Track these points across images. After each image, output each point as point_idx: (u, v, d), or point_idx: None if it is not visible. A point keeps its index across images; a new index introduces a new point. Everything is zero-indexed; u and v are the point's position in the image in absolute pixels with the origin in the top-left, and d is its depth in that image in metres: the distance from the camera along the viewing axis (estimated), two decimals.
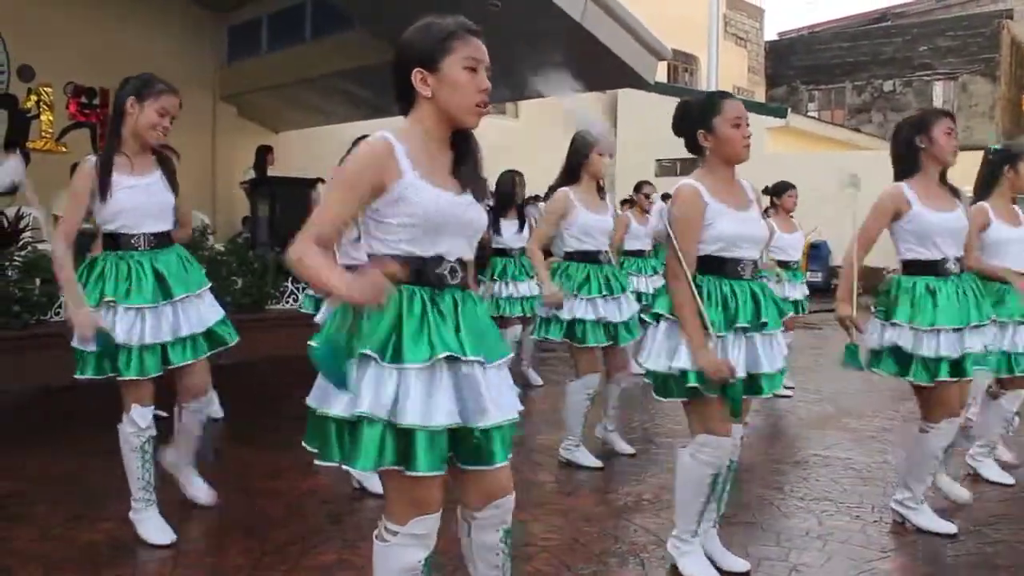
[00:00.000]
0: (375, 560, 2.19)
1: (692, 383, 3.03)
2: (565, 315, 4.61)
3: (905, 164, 3.79)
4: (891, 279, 3.89)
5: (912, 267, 3.79)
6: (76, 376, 3.41)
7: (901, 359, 3.73)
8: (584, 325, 4.61)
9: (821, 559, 3.51)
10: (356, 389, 2.03)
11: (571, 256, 4.73)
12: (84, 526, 3.66)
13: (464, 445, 2.12)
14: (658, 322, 3.19)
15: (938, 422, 3.76)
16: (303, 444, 2.18)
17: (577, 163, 4.67)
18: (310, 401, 2.14)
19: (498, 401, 2.13)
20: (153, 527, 3.51)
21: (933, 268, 3.75)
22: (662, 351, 3.13)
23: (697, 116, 3.14)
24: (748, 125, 3.14)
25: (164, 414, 3.72)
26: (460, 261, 2.19)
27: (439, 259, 2.13)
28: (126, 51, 9.88)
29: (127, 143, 3.42)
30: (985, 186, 4.55)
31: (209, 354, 3.58)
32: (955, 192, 3.84)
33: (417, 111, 2.16)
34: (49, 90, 10.98)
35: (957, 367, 3.67)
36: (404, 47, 2.14)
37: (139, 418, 3.44)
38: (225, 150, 12.42)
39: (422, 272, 2.11)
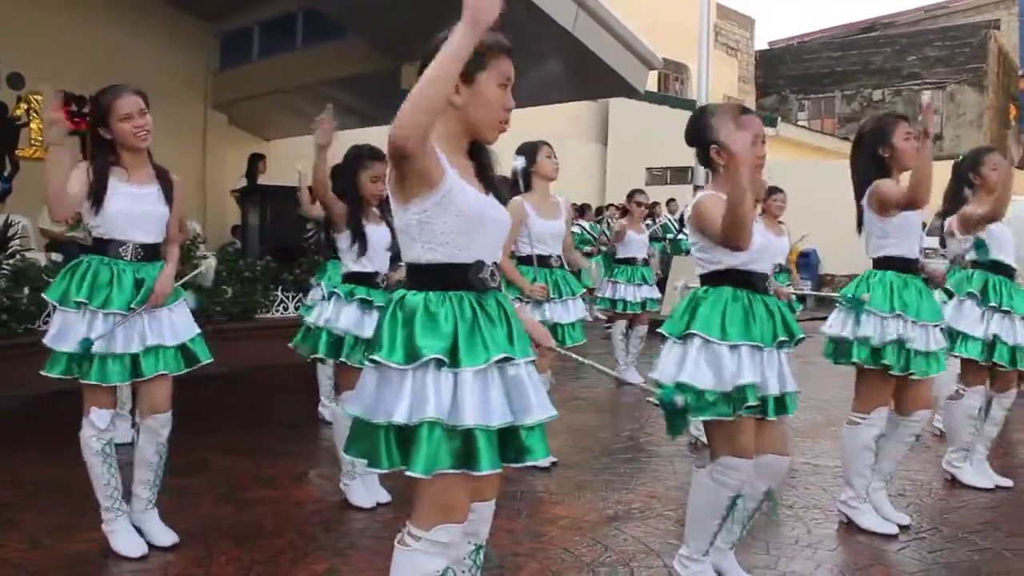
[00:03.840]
0: (395, 566, 2.19)
1: (752, 400, 2.90)
2: None
3: (874, 177, 3.85)
4: (865, 272, 4.01)
5: (886, 264, 3.90)
6: (43, 373, 3.40)
7: (898, 351, 3.82)
8: None
9: (810, 567, 3.52)
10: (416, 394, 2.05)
11: (524, 260, 4.84)
12: (72, 536, 3.64)
13: (511, 444, 2.15)
14: (678, 338, 3.05)
15: (868, 413, 3.89)
16: (344, 453, 2.22)
17: (527, 167, 4.74)
18: (356, 410, 2.15)
19: (539, 398, 2.18)
20: (124, 539, 3.47)
21: (907, 265, 3.89)
22: (707, 368, 2.95)
23: (712, 131, 3.02)
24: (764, 143, 3.02)
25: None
26: (495, 264, 2.23)
27: (480, 264, 2.17)
28: (116, 59, 9.87)
29: (123, 158, 3.44)
30: (955, 196, 4.68)
31: (184, 371, 3.55)
32: None
33: (443, 120, 2.15)
34: (39, 98, 10.95)
35: (927, 361, 3.85)
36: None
37: (98, 420, 3.42)
38: (216, 158, 12.39)
39: (467, 278, 2.15)
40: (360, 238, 4.03)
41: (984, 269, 4.61)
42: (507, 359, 2.12)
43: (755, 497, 3.16)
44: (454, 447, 2.05)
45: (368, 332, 3.95)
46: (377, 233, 4.09)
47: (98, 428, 3.43)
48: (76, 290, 3.36)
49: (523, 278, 4.74)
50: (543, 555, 3.57)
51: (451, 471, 2.06)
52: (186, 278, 3.99)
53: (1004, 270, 4.59)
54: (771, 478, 3.15)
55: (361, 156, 4.10)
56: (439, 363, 2.05)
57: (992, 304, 4.52)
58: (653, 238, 12.17)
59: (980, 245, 4.59)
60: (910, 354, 3.81)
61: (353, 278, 4.11)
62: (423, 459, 2.03)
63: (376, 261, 4.11)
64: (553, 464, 4.89)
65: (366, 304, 4.02)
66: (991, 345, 4.51)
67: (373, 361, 2.11)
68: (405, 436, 2.07)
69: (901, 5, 34.35)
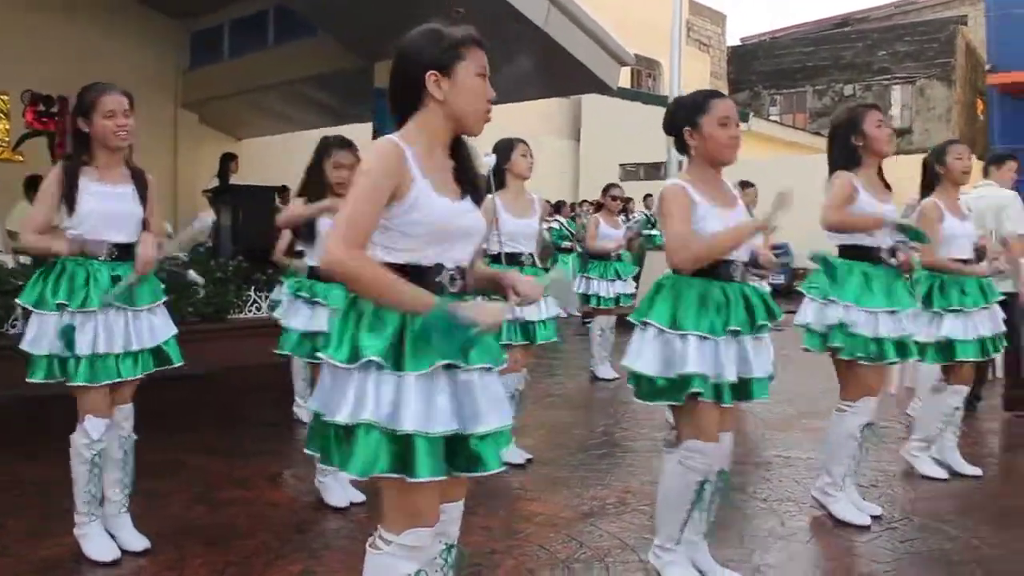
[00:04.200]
0: (367, 570, 2.18)
1: (696, 388, 2.96)
2: None
3: (848, 164, 3.92)
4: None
5: (851, 252, 3.94)
6: (28, 380, 3.36)
7: (849, 338, 3.87)
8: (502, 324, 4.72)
9: (783, 559, 3.55)
10: (359, 395, 2.04)
11: (496, 259, 4.84)
12: (46, 541, 3.60)
13: (461, 453, 2.12)
14: (644, 326, 3.11)
15: (856, 401, 3.93)
16: (305, 450, 2.21)
17: (501, 165, 4.74)
18: (314, 406, 2.15)
19: (493, 406, 2.15)
20: (96, 544, 3.44)
21: (870, 255, 3.93)
22: (657, 356, 3.04)
23: (685, 114, 3.10)
24: (738, 126, 3.10)
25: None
26: (459, 268, 2.21)
27: (439, 268, 2.15)
28: (85, 58, 9.76)
29: (98, 157, 3.40)
30: (927, 188, 4.76)
31: (152, 371, 3.52)
32: (888, 186, 4.02)
33: (424, 115, 2.16)
34: (6, 98, 10.83)
35: (899, 349, 3.90)
36: (413, 51, 2.15)
37: (92, 429, 3.37)
38: (187, 158, 12.30)
39: (423, 280, 2.12)
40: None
41: (932, 271, 4.65)
42: (454, 365, 2.09)
43: (713, 481, 3.21)
44: (393, 451, 2.02)
45: (301, 325, 4.04)
46: None
47: (91, 438, 3.38)
48: (53, 293, 3.31)
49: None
50: (519, 552, 3.58)
51: (389, 475, 2.04)
52: (181, 235, 3.89)
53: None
54: (722, 458, 3.19)
55: (327, 145, 4.10)
56: (380, 365, 2.03)
57: (937, 309, 4.58)
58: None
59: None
60: (861, 339, 3.84)
61: (315, 274, 4.09)
62: (359, 461, 2.03)
63: None
64: (528, 461, 4.91)
65: (308, 301, 4.04)
66: (948, 346, 4.58)
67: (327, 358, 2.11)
68: (350, 436, 2.06)
69: (872, 1, 34.65)
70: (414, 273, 2.11)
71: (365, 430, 2.02)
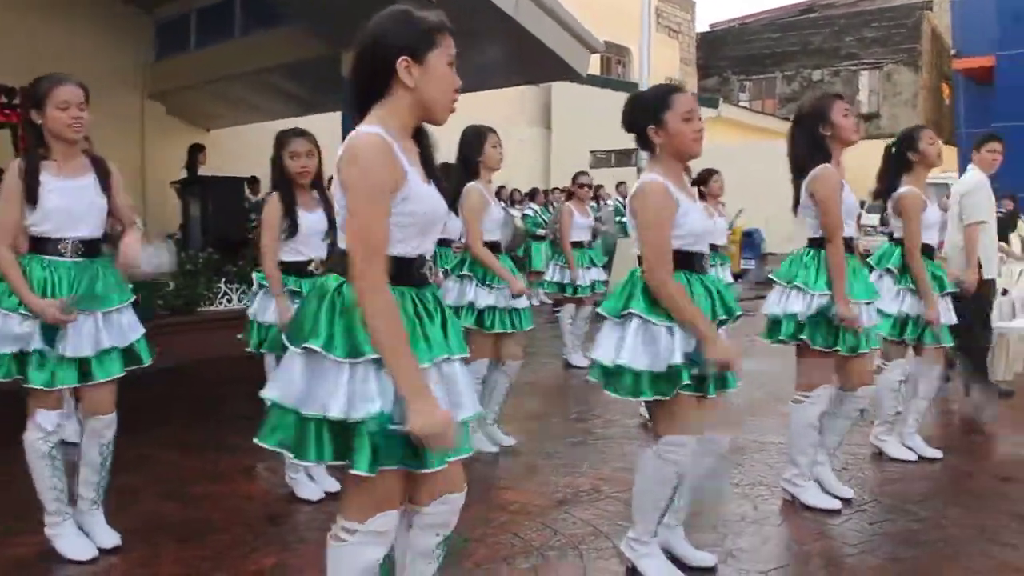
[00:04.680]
0: (330, 562, 2.16)
1: (686, 380, 2.94)
2: (480, 303, 4.72)
3: (815, 156, 3.92)
4: (799, 251, 4.09)
5: (821, 243, 3.96)
6: None
7: (825, 328, 3.90)
8: (493, 313, 4.75)
9: (757, 543, 3.59)
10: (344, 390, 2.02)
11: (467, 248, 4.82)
12: (13, 540, 3.56)
13: None
14: (616, 317, 3.09)
15: (812, 391, 3.98)
16: (254, 440, 2.17)
17: (472, 158, 4.72)
18: (272, 395, 2.12)
19: (469, 394, 2.17)
20: (71, 542, 3.40)
21: (846, 245, 3.96)
22: (644, 349, 2.99)
23: (647, 112, 3.03)
24: (700, 119, 3.06)
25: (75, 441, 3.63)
26: (432, 258, 2.21)
27: (422, 259, 2.15)
28: (48, 49, 9.61)
29: (54, 149, 3.32)
30: (887, 177, 4.77)
31: (125, 372, 3.46)
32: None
33: (393, 102, 2.11)
34: None
35: (869, 338, 3.96)
36: (385, 34, 2.08)
37: (45, 422, 3.32)
38: (154, 150, 12.15)
39: (408, 272, 2.11)
40: (291, 220, 3.95)
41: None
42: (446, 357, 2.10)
43: (699, 475, 3.21)
44: (397, 444, 2.01)
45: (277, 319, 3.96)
46: (310, 219, 4.00)
47: (45, 430, 3.33)
48: (8, 294, 3.25)
49: (510, 272, 4.74)
50: (493, 540, 3.58)
51: (395, 468, 2.04)
52: (144, 267, 3.78)
53: (925, 249, 4.69)
54: (712, 456, 3.21)
55: (284, 136, 4.05)
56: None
57: (908, 286, 4.66)
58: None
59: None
60: (839, 331, 3.87)
61: (283, 267, 4.03)
62: (366, 457, 2.00)
63: (308, 248, 4.03)
64: (510, 446, 4.98)
65: (295, 295, 3.97)
66: (903, 322, 4.66)
67: (306, 348, 2.06)
68: (339, 431, 2.03)
69: None
70: (399, 265, 2.09)
71: (360, 427, 2.00)
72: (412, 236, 2.11)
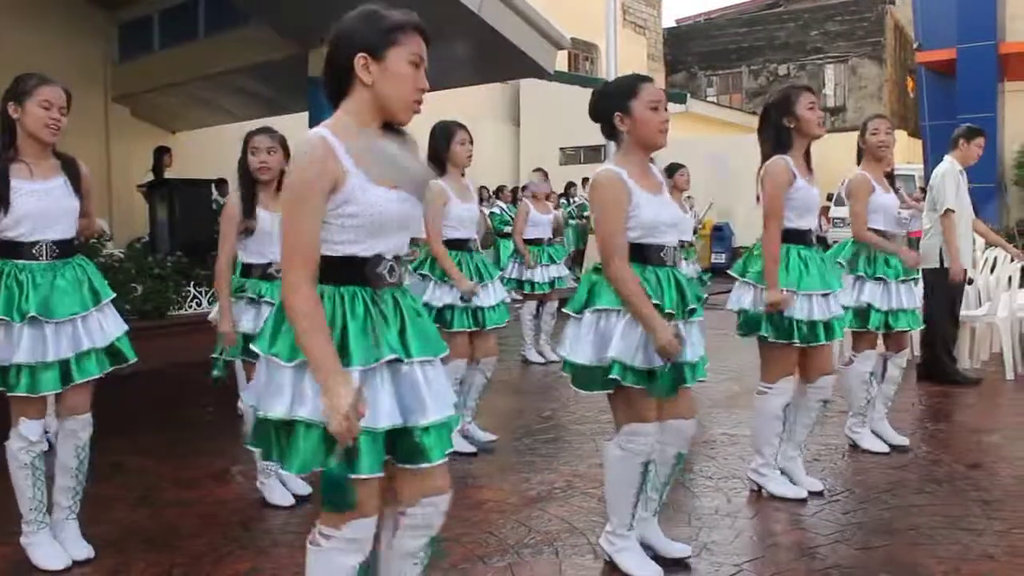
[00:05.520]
0: (308, 566, 2.16)
1: (615, 375, 2.97)
2: (436, 302, 4.70)
3: (778, 146, 3.97)
4: (755, 243, 4.13)
5: (785, 236, 3.99)
6: None
7: (778, 322, 3.94)
8: (452, 311, 4.73)
9: (730, 536, 3.60)
10: (300, 398, 2.01)
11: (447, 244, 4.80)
12: None
13: (402, 445, 2.10)
14: (579, 313, 3.12)
15: (774, 382, 4.01)
16: (245, 446, 2.16)
17: (441, 154, 4.71)
18: (251, 400, 2.12)
19: (436, 398, 2.13)
20: (46, 551, 3.34)
21: (803, 238, 4.02)
22: (587, 343, 3.06)
23: (614, 99, 3.06)
24: (667, 110, 3.09)
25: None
26: (396, 258, 2.17)
27: (379, 258, 2.12)
28: (8, 49, 9.46)
29: (25, 150, 3.27)
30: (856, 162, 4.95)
31: (110, 370, 3.42)
32: (810, 168, 4.09)
33: (352, 101, 2.11)
34: None
35: (828, 330, 3.98)
36: (346, 32, 2.08)
37: (28, 432, 3.28)
38: (120, 152, 12.04)
39: (362, 272, 2.09)
40: (248, 218, 3.90)
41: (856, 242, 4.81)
42: (397, 359, 2.07)
43: (667, 462, 3.24)
44: (332, 446, 1.99)
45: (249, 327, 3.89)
46: (271, 219, 3.89)
47: (28, 440, 3.28)
48: (2, 309, 3.18)
49: (459, 271, 4.71)
50: (468, 539, 3.58)
51: (369, 476, 2.02)
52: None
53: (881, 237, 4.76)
54: (680, 442, 3.24)
55: (248, 135, 4.00)
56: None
57: (861, 273, 4.73)
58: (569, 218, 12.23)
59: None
60: (794, 323, 3.91)
61: (245, 271, 3.98)
62: (298, 458, 2.01)
63: (270, 251, 3.94)
64: (491, 442, 5.03)
65: (253, 302, 3.93)
66: (865, 312, 4.71)
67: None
68: (288, 432, 2.04)
69: None
70: (354, 265, 2.08)
71: (305, 426, 2.00)
72: (363, 237, 2.08)
